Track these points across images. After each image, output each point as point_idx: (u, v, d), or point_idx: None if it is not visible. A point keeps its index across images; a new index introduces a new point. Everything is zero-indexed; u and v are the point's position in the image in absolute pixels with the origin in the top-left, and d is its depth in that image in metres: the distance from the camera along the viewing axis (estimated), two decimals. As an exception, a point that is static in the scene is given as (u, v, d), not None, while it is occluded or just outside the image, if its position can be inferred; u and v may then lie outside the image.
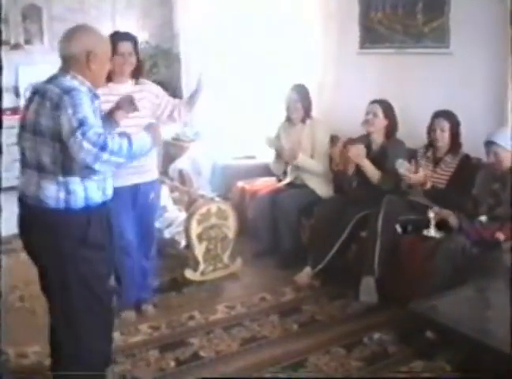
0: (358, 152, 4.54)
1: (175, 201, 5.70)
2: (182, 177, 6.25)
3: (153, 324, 4.09)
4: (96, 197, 2.85)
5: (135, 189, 3.96)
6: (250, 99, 6.77)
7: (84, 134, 2.55)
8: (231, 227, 4.89)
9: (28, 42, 7.70)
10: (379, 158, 4.61)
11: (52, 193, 2.76)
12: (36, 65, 7.66)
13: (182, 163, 6.48)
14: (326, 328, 4.03)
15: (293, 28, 6.10)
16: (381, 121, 4.66)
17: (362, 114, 4.76)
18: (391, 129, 4.70)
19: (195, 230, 4.74)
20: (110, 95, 3.57)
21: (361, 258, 4.28)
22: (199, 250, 4.76)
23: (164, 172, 7.43)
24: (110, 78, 3.65)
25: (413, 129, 4.75)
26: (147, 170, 3.99)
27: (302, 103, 5.17)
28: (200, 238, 4.76)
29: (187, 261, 4.85)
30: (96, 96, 2.84)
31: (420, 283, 3.79)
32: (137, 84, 4.04)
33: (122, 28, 8.14)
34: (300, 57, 6.07)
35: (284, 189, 5.29)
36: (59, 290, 2.89)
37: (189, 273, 4.76)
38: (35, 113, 2.76)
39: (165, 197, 5.57)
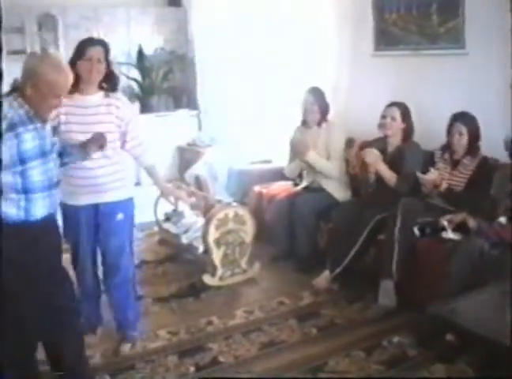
0: (374, 158, 4.53)
1: (192, 207, 5.70)
2: (199, 182, 6.25)
3: (172, 329, 4.09)
4: (12, 214, 2.88)
5: (94, 210, 3.68)
6: (265, 104, 6.78)
7: None
8: (248, 231, 4.89)
9: (43, 50, 7.72)
10: (396, 160, 4.59)
11: None
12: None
13: (198, 169, 6.50)
14: (345, 331, 4.01)
15: (307, 31, 6.10)
16: (398, 125, 4.64)
17: (377, 116, 4.74)
18: (408, 131, 4.68)
19: (213, 235, 4.75)
20: (74, 106, 3.51)
21: (379, 261, 4.25)
22: (217, 255, 4.77)
23: (180, 178, 7.47)
24: (77, 88, 3.48)
25: (429, 131, 4.74)
26: (109, 189, 3.66)
27: (318, 105, 5.16)
28: (217, 243, 4.77)
29: (205, 267, 4.86)
30: (28, 122, 2.86)
31: (439, 286, 3.75)
32: (106, 96, 3.64)
33: (137, 35, 8.25)
34: (314, 60, 6.06)
35: (301, 193, 5.28)
36: None
37: (207, 278, 4.77)
38: None
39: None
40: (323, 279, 4.56)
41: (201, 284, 4.75)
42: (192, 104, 8.58)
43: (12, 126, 2.77)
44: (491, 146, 4.26)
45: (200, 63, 8.34)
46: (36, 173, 2.89)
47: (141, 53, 8.31)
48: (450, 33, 4.81)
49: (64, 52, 7.73)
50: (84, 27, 7.86)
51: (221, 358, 3.71)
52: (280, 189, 5.69)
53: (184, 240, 5.26)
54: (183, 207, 5.62)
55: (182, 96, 8.74)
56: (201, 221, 5.18)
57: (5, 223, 2.85)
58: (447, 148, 4.44)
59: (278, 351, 3.79)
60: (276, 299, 4.50)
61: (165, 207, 5.65)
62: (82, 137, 3.39)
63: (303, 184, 5.38)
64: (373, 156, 4.53)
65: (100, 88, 3.62)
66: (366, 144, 4.90)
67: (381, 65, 5.45)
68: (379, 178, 4.61)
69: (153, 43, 8.44)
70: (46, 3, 7.71)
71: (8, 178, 2.80)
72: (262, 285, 4.84)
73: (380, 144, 4.72)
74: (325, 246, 4.89)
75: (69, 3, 7.81)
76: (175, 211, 5.67)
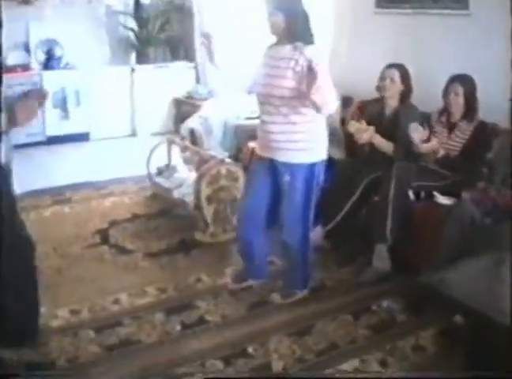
0: (370, 135, 4.40)
1: (186, 161, 5.64)
2: (194, 136, 6.18)
3: (160, 286, 4.07)
4: None
5: (271, 164, 3.72)
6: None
7: None
8: (240, 188, 4.82)
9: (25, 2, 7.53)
10: (392, 123, 4.48)
11: None
12: (46, 20, 7.58)
13: (193, 122, 6.39)
14: (335, 294, 3.99)
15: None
16: (397, 87, 4.52)
17: (377, 75, 4.63)
18: (406, 93, 4.55)
19: (204, 191, 4.71)
20: (267, 57, 3.69)
21: (373, 224, 4.20)
22: (208, 212, 4.73)
23: (175, 131, 7.39)
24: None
25: (428, 92, 4.63)
26: (281, 147, 3.63)
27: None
28: (209, 199, 4.73)
29: (196, 223, 4.81)
30: None
31: (432, 252, 3.71)
32: (294, 48, 3.47)
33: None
34: (314, 17, 5.90)
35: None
36: None
37: (198, 235, 4.74)
38: None
39: (176, 156, 5.55)
40: (317, 233, 4.48)
41: (191, 241, 4.73)
42: (190, 56, 8.43)
43: None
44: (490, 110, 4.17)
45: (198, 14, 8.16)
46: None
47: (137, 2, 8.14)
48: (454, -8, 4.70)
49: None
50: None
51: (208, 317, 3.69)
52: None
53: (176, 195, 5.21)
54: (176, 161, 5.58)
55: (179, 48, 8.59)
56: (193, 176, 5.11)
57: None
58: (444, 110, 4.36)
59: (266, 312, 3.77)
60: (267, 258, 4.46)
61: (158, 161, 5.62)
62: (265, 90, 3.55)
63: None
64: (368, 135, 4.40)
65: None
66: (363, 104, 4.81)
67: (382, 23, 5.32)
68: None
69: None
70: None
71: None
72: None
73: (377, 105, 4.62)
74: (318, 203, 4.78)
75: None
76: (167, 165, 5.62)
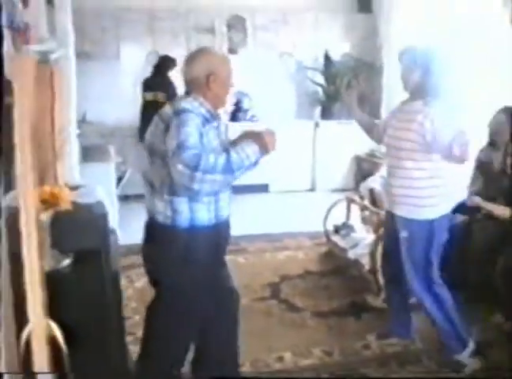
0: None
1: (364, 221, 5.53)
2: (373, 196, 6.04)
3: (326, 348, 3.94)
4: (204, 218, 2.86)
5: (391, 217, 3.73)
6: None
7: (179, 156, 2.58)
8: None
9: (231, 51, 7.86)
10: None
11: (160, 209, 2.86)
12: (238, 73, 7.84)
13: (374, 182, 6.26)
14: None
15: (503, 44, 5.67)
16: None
17: None
18: None
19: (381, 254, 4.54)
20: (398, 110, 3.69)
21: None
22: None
23: (355, 189, 7.30)
24: None
25: None
26: (398, 201, 3.63)
27: (511, 125, 4.74)
28: (385, 262, 4.55)
29: (369, 285, 4.66)
30: (211, 119, 2.87)
31: None
32: (425, 104, 3.45)
33: (325, 39, 8.19)
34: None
35: (480, 218, 4.86)
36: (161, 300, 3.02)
37: (370, 298, 4.59)
38: (151, 134, 2.89)
39: (354, 216, 5.46)
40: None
41: (363, 304, 4.58)
42: (375, 114, 8.36)
43: (203, 122, 2.78)
44: None
45: (387, 72, 8.09)
46: None
47: (327, 58, 8.24)
48: None
49: (251, 53, 7.87)
50: (273, 29, 7.92)
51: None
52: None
53: (351, 255, 5.11)
54: (354, 220, 5.49)
55: (365, 105, 8.54)
56: (370, 237, 4.98)
57: (195, 227, 2.87)
58: None
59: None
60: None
61: (336, 218, 5.57)
62: (392, 142, 3.57)
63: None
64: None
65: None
66: None
67: None
68: None
69: (340, 48, 8.33)
70: (236, 4, 7.87)
71: None
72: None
73: None
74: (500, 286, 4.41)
75: (258, 5, 7.89)
76: (344, 223, 5.55)
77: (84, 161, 5.49)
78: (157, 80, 7.45)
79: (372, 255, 4.58)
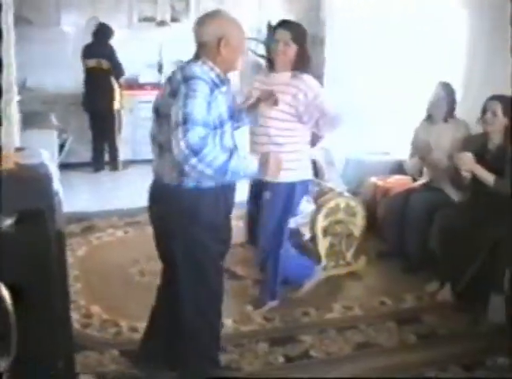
0: (469, 163, 4.19)
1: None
2: (315, 167, 6.11)
3: (267, 315, 4.03)
4: (208, 181, 2.86)
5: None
6: (389, 95, 6.51)
7: (184, 132, 2.59)
8: (357, 224, 4.73)
9: (174, 19, 7.81)
10: (497, 159, 4.23)
11: (167, 170, 2.85)
12: (180, 42, 7.82)
13: (315, 153, 6.34)
14: (447, 343, 3.77)
15: (439, 23, 5.79)
16: (501, 120, 4.29)
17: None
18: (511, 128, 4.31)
19: (321, 223, 4.62)
20: (262, 83, 3.90)
21: (490, 273, 3.98)
22: (322, 245, 4.64)
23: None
24: (273, 67, 3.90)
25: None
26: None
27: (448, 100, 4.88)
28: (325, 232, 4.64)
29: (309, 255, 4.74)
30: (220, 84, 2.85)
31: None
32: (294, 76, 3.84)
33: (268, 10, 8.19)
34: (445, 54, 5.74)
35: (418, 189, 5.02)
36: (172, 260, 2.99)
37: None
38: (161, 96, 2.91)
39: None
40: (448, 293, 4.29)
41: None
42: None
43: (212, 89, 2.77)
44: None
45: (329, 46, 8.15)
46: (227, 136, 2.87)
47: (270, 29, 8.24)
48: None
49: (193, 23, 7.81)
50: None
51: (312, 353, 3.61)
52: (397, 183, 5.49)
53: (292, 224, 5.16)
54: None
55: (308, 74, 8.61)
56: (310, 207, 5.04)
57: (201, 188, 2.86)
58: None
59: (371, 354, 3.65)
60: (378, 298, 4.33)
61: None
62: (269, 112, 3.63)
63: (422, 180, 5.13)
64: (467, 161, 4.18)
65: (292, 68, 3.85)
66: (466, 140, 4.60)
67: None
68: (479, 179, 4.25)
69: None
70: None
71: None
72: (365, 281, 4.67)
73: (481, 139, 4.40)
74: (435, 248, 4.59)
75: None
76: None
77: (26, 128, 5.41)
78: (99, 48, 7.36)
79: (313, 224, 4.64)
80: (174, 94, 2.73)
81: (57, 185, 2.94)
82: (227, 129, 2.85)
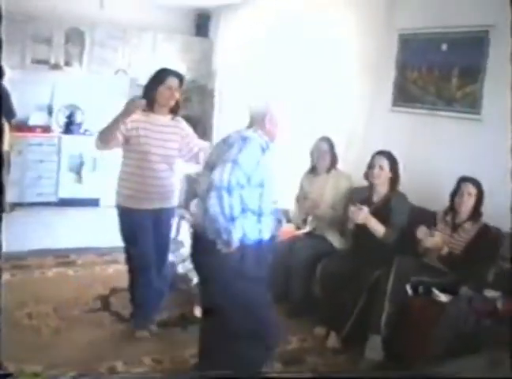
0: (365, 215, 4.51)
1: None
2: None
3: (156, 357, 4.09)
4: (252, 236, 3.26)
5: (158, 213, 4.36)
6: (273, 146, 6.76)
7: (220, 195, 3.05)
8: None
9: (67, 63, 7.83)
10: (381, 209, 4.61)
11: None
12: (73, 86, 7.86)
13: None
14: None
15: (328, 79, 6.16)
16: (386, 174, 4.67)
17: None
18: (395, 181, 4.71)
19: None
20: (147, 123, 4.21)
21: (369, 314, 4.25)
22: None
23: (185, 207, 7.46)
24: (152, 108, 4.23)
25: (436, 192, 4.75)
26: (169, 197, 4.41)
27: (330, 153, 5.21)
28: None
29: (196, 298, 4.84)
30: (267, 149, 3.27)
31: (427, 346, 3.73)
32: (173, 119, 4.38)
33: (162, 59, 8.35)
34: (332, 109, 6.10)
35: (302, 237, 5.26)
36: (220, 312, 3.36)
37: (198, 311, 4.73)
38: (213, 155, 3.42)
39: (184, 232, 5.61)
40: (335, 340, 4.49)
41: (191, 316, 4.74)
42: (206, 135, 8.63)
43: (263, 151, 3.22)
44: (493, 215, 4.27)
45: (219, 96, 8.41)
46: (266, 194, 3.27)
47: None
48: (467, 98, 4.83)
49: (86, 68, 7.87)
50: (111, 46, 7.99)
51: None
52: (282, 231, 5.68)
53: (180, 269, 5.25)
54: (184, 237, 5.62)
55: (197, 126, 8.79)
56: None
57: (243, 246, 3.21)
58: (450, 210, 4.44)
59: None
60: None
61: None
62: (156, 150, 4.19)
63: (306, 229, 5.38)
64: (362, 215, 4.52)
65: (170, 111, 4.35)
66: (352, 192, 4.96)
67: (397, 121, 5.46)
68: (363, 228, 4.58)
69: (176, 69, 8.49)
70: (77, 16, 7.85)
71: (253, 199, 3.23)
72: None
73: (365, 192, 4.79)
74: (318, 294, 4.82)
75: (99, 19, 7.87)
76: (174, 239, 5.67)
77: None
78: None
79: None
80: (230, 146, 3.22)
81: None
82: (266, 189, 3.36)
